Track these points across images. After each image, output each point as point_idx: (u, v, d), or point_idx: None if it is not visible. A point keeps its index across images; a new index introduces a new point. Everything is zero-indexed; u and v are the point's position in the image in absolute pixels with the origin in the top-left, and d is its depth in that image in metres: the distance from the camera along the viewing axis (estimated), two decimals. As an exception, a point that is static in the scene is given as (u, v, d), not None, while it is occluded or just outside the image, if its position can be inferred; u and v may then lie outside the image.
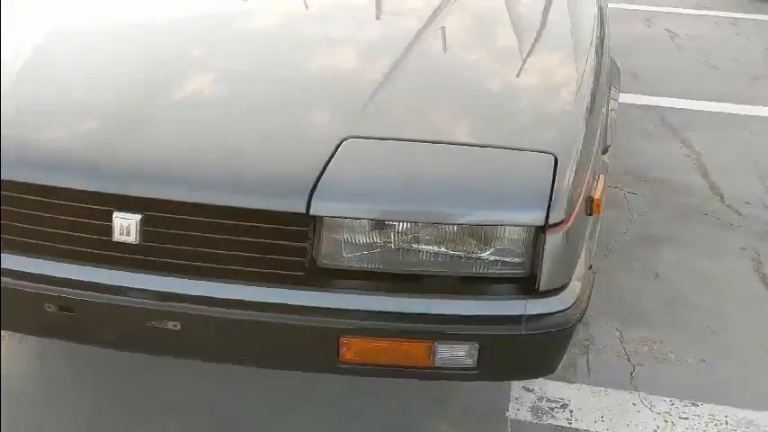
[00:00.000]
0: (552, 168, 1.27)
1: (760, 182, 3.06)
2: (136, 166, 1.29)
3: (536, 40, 1.73)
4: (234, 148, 1.32)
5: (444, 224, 1.25)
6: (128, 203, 1.27)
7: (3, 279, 1.30)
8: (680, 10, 5.65)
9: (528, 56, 1.62)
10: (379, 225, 1.26)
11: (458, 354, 1.27)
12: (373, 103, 1.41)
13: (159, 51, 1.59)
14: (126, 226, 1.27)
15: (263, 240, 1.26)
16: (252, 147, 1.33)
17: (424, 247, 1.26)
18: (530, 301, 1.26)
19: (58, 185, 1.28)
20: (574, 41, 1.70)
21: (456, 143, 1.32)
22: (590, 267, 1.40)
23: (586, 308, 1.32)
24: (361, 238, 1.26)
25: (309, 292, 1.26)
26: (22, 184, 1.29)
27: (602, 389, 1.90)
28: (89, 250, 1.30)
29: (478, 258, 1.26)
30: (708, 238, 2.62)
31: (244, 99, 1.45)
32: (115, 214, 1.27)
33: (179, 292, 1.27)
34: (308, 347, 1.29)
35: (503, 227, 1.25)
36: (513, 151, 1.31)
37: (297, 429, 1.72)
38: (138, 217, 1.27)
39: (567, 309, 1.27)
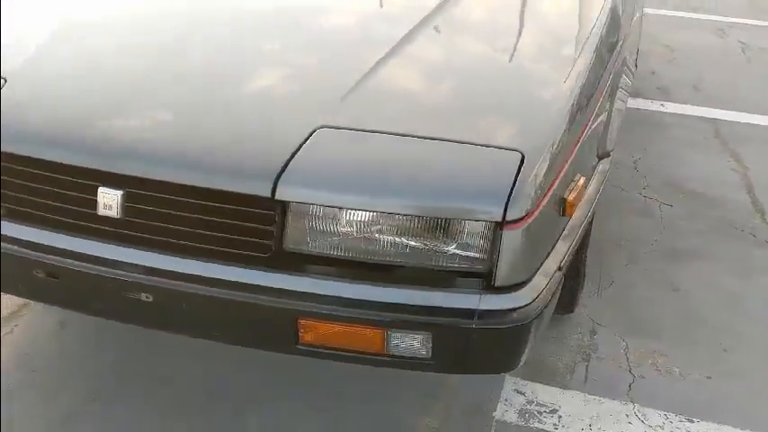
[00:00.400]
0: (517, 166, 1.27)
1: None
2: (120, 145, 1.36)
3: (529, 39, 1.72)
4: (210, 132, 1.38)
5: (406, 215, 1.27)
6: (111, 180, 1.34)
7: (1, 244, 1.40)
8: (756, 22, 5.45)
9: (517, 55, 1.62)
10: (344, 213, 1.29)
11: (412, 343, 1.29)
12: (353, 94, 1.44)
13: (148, 44, 1.67)
14: (109, 201, 1.35)
15: (231, 222, 1.31)
16: (227, 131, 1.38)
17: (385, 237, 1.29)
18: (485, 296, 1.26)
19: (51, 159, 1.37)
20: (568, 41, 1.68)
21: (425, 137, 1.34)
22: (559, 268, 1.39)
23: (546, 307, 1.32)
24: (326, 226, 1.30)
25: (272, 274, 1.30)
26: (19, 156, 1.39)
27: (597, 397, 1.87)
28: (75, 222, 1.38)
29: (438, 251, 1.28)
30: (738, 255, 2.53)
31: (226, 86, 1.51)
32: (100, 189, 1.35)
33: (152, 266, 1.34)
34: (269, 327, 1.34)
35: (463, 221, 1.26)
36: (480, 147, 1.32)
37: (285, 413, 1.77)
38: (120, 193, 1.34)
39: (522, 307, 1.27)
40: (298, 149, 1.32)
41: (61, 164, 1.37)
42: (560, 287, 1.43)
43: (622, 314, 2.19)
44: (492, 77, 1.59)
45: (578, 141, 1.47)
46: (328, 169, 1.31)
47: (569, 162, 1.41)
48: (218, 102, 1.47)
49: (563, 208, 1.38)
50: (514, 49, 1.70)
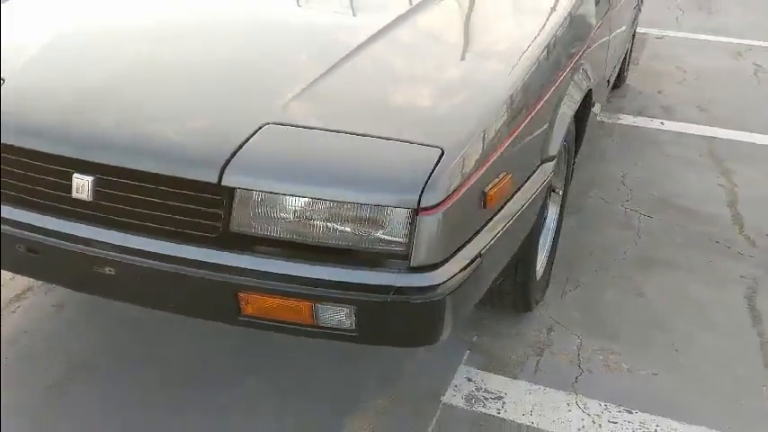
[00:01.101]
0: (435, 160, 1.42)
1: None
2: (91, 136, 1.55)
3: (477, 46, 1.88)
4: (168, 126, 1.56)
5: (336, 202, 1.42)
6: (84, 167, 1.53)
7: (-11, 223, 1.60)
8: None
9: (461, 62, 1.78)
10: (283, 200, 1.45)
11: (337, 316, 1.44)
12: (302, 96, 1.61)
13: (127, 52, 1.86)
14: (81, 185, 1.53)
15: (184, 205, 1.48)
16: (184, 126, 1.56)
17: (318, 221, 1.44)
18: (401, 275, 1.41)
19: (34, 148, 1.57)
20: (513, 49, 1.82)
21: (359, 134, 1.49)
22: (480, 255, 1.52)
23: (460, 288, 1.45)
24: (267, 210, 1.46)
25: (218, 252, 1.47)
26: (7, 145, 1.59)
27: (542, 387, 1.99)
28: (53, 204, 1.57)
29: (364, 234, 1.43)
30: (710, 266, 2.62)
31: (187, 86, 1.69)
32: (74, 175, 1.54)
33: (116, 243, 1.51)
34: (215, 300, 1.50)
35: (385, 208, 1.41)
36: (406, 143, 1.47)
37: (253, 391, 1.93)
38: (90, 179, 1.53)
39: (434, 285, 1.41)
40: (245, 142, 1.48)
41: (42, 152, 1.56)
42: (484, 273, 1.56)
43: (583, 315, 2.30)
44: (433, 81, 1.74)
45: (507, 142, 1.60)
46: (271, 160, 1.47)
47: (493, 160, 1.54)
48: (178, 100, 1.65)
49: (483, 201, 1.52)
50: (460, 57, 1.84)
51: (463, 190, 1.45)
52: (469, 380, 2.00)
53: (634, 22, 3.71)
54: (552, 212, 2.38)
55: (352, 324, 1.44)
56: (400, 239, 1.42)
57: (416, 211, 1.39)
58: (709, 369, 2.09)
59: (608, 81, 2.82)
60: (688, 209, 3.02)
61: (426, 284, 1.41)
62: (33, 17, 2.08)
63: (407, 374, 2.02)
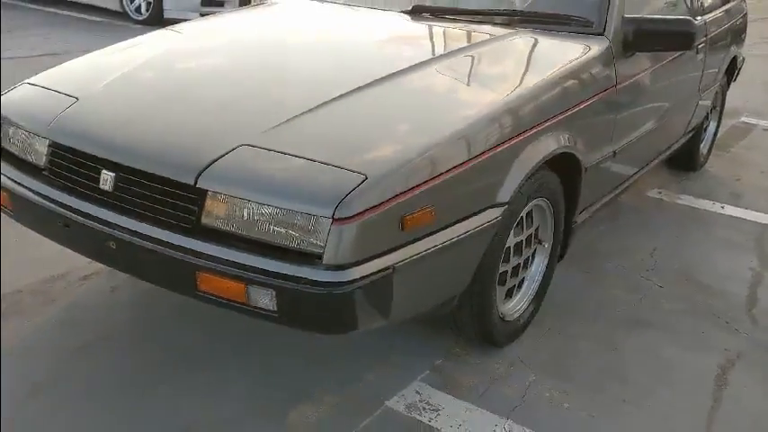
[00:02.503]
0: (357, 183, 1.76)
1: (814, 306, 2.99)
2: (117, 143, 2.03)
3: (455, 95, 2.26)
4: (167, 138, 2.01)
5: (277, 209, 1.79)
6: (109, 165, 2.01)
7: (38, 200, 2.11)
8: None
9: (422, 112, 2.13)
10: (240, 203, 1.83)
11: (263, 298, 1.79)
12: (285, 125, 2.00)
13: (163, 84, 2.39)
14: (106, 179, 2.01)
15: (169, 200, 1.91)
16: (181, 138, 2.00)
17: (263, 222, 1.81)
18: (313, 269, 1.74)
19: (78, 148, 2.07)
20: (473, 105, 2.16)
21: (308, 158, 1.85)
22: (391, 268, 1.82)
23: (367, 289, 1.76)
24: (229, 210, 1.85)
25: (188, 239, 1.87)
26: (63, 145, 2.11)
27: (480, 409, 2.21)
28: (85, 191, 2.05)
29: (293, 234, 1.78)
30: (699, 335, 2.70)
31: (196, 109, 2.15)
32: (102, 171, 2.02)
33: (119, 224, 1.96)
34: (179, 275, 1.89)
35: (311, 216, 1.76)
36: (338, 168, 1.82)
37: (232, 376, 2.29)
38: (113, 174, 2.00)
39: (339, 282, 1.72)
40: (221, 156, 1.90)
41: (83, 151, 2.07)
42: (402, 287, 1.85)
43: (550, 358, 2.49)
44: (389, 126, 2.07)
45: (437, 181, 1.90)
46: (237, 173, 1.87)
47: (417, 192, 1.84)
48: (185, 121, 2.10)
49: (401, 224, 1.82)
50: (422, 110, 2.16)
51: (378, 210, 1.77)
52: (417, 392, 2.26)
53: (695, 107, 3.81)
54: (539, 262, 2.61)
55: (273, 306, 1.79)
56: (318, 242, 1.76)
57: (332, 221, 1.73)
58: (649, 422, 2.22)
59: (628, 155, 2.99)
60: (705, 284, 3.10)
61: (333, 280, 1.74)
62: (114, 60, 2.64)
63: (366, 381, 2.31)
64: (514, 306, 2.54)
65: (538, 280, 2.61)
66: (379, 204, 1.78)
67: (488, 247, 2.17)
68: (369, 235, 1.78)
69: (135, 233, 1.94)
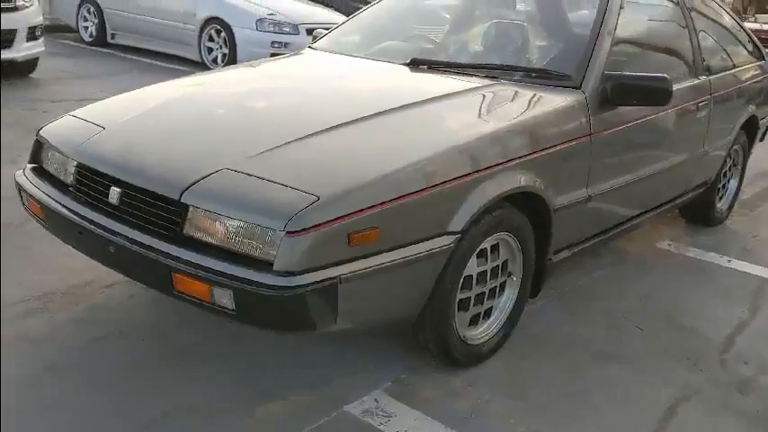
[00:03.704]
0: (309, 203, 2.06)
1: (791, 358, 3.06)
2: (125, 165, 2.41)
3: (412, 137, 2.53)
4: (161, 160, 2.37)
5: (242, 223, 2.11)
6: (117, 182, 2.39)
7: (62, 211, 2.50)
8: None
9: (388, 148, 2.43)
10: (215, 216, 2.16)
11: (224, 298, 2.09)
12: (264, 154, 2.33)
13: (173, 120, 2.76)
14: (114, 194, 2.39)
15: (158, 212, 2.26)
16: (174, 161, 2.36)
17: (231, 233, 2.14)
18: (267, 274, 2.04)
19: (95, 168, 2.46)
20: (433, 142, 2.46)
21: (274, 182, 2.17)
22: (337, 278, 2.09)
23: (314, 295, 2.03)
24: (205, 222, 2.18)
25: (170, 245, 2.21)
26: (85, 165, 2.50)
27: (429, 418, 2.42)
28: (97, 204, 2.43)
29: (252, 244, 2.10)
30: (663, 371, 2.83)
31: (192, 138, 2.52)
32: (111, 187, 2.40)
33: (118, 231, 2.32)
34: (161, 276, 2.22)
35: (267, 229, 2.07)
36: (296, 190, 2.13)
37: (216, 371, 2.60)
38: (119, 190, 2.38)
39: (286, 286, 2.00)
40: (204, 177, 2.24)
41: (101, 172, 2.45)
42: (351, 297, 2.12)
43: (510, 380, 2.67)
44: (354, 157, 2.37)
45: (387, 206, 2.17)
46: (214, 192, 2.21)
47: (366, 214, 2.12)
48: (181, 148, 2.47)
49: (348, 240, 2.11)
50: (389, 146, 2.45)
51: (326, 227, 2.06)
52: (376, 400, 2.50)
53: (699, 162, 3.95)
54: (509, 294, 2.82)
55: (232, 305, 2.09)
56: (272, 251, 2.06)
57: (285, 234, 2.04)
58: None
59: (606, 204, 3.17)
60: (686, 327, 3.21)
61: (281, 284, 2.03)
62: (145, 97, 3.06)
63: (332, 386, 2.56)
64: (482, 332, 2.75)
65: (507, 310, 2.82)
66: (328, 222, 2.07)
67: (442, 273, 2.41)
68: (317, 247, 2.07)
69: (129, 239, 2.29)
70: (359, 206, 2.14)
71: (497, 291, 2.78)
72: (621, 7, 3.32)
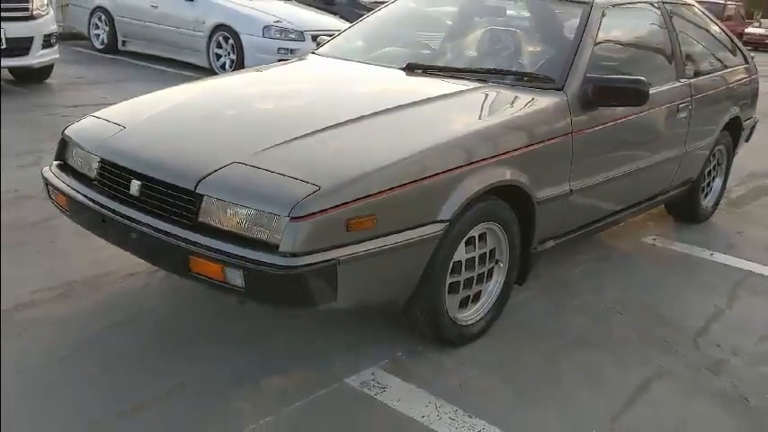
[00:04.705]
0: (311, 192, 2.30)
1: (763, 342, 3.26)
2: (144, 159, 2.66)
3: (411, 136, 2.76)
4: (178, 155, 2.62)
5: (251, 210, 2.35)
6: (137, 175, 2.63)
7: (87, 202, 2.74)
8: None
9: (388, 142, 2.67)
10: (226, 205, 2.41)
11: (235, 277, 2.33)
12: (271, 149, 2.57)
13: (187, 119, 3.01)
14: (134, 186, 2.63)
15: (177, 201, 2.50)
16: (190, 156, 2.60)
17: (241, 219, 2.38)
18: (273, 255, 2.28)
19: (119, 163, 2.71)
20: (426, 139, 2.69)
21: (280, 173, 2.41)
22: (335, 260, 2.32)
23: (316, 274, 2.27)
24: (218, 210, 2.43)
25: (187, 231, 2.45)
26: (107, 160, 2.75)
27: (421, 390, 2.65)
28: (119, 195, 2.67)
29: (261, 229, 2.33)
30: (640, 354, 3.05)
31: (207, 134, 2.77)
32: (132, 180, 2.65)
33: (138, 219, 2.57)
34: (179, 258, 2.46)
35: (273, 215, 2.31)
36: (300, 180, 2.37)
37: (219, 350, 2.83)
38: (139, 182, 2.62)
39: (290, 266, 2.24)
40: (217, 170, 2.49)
41: (122, 166, 2.70)
42: (349, 277, 2.34)
43: (496, 361, 2.89)
44: (358, 150, 2.61)
45: (383, 195, 2.40)
46: (226, 183, 2.45)
47: (363, 203, 2.35)
48: (196, 143, 2.71)
49: (347, 226, 2.35)
50: (389, 141, 2.68)
51: (326, 214, 2.30)
52: (372, 374, 2.73)
53: (681, 161, 4.17)
54: (496, 279, 3.05)
55: (243, 283, 2.33)
56: (277, 235, 2.31)
57: (289, 219, 2.28)
58: (562, 411, 2.61)
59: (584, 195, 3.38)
60: (664, 316, 3.43)
61: (285, 264, 2.27)
62: (162, 99, 3.32)
63: (333, 363, 2.78)
64: (472, 314, 2.98)
65: (495, 294, 3.05)
66: (328, 209, 2.31)
67: (433, 258, 2.64)
68: (318, 232, 2.31)
69: (150, 227, 2.53)
70: (356, 195, 2.38)
71: (485, 276, 3.01)
72: (604, 15, 3.56)
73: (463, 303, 2.95)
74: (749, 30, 24.08)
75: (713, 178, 4.86)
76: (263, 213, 2.34)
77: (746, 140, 5.24)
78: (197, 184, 2.46)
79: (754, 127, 5.23)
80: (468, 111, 3.07)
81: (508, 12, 3.96)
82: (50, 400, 2.46)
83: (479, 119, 2.95)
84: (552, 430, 2.51)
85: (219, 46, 9.23)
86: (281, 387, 2.62)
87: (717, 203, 4.98)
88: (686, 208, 4.68)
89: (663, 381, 2.87)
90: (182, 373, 2.66)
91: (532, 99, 3.14)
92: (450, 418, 2.52)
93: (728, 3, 22.36)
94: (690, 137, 4.16)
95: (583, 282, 3.77)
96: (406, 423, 2.48)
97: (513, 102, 3.14)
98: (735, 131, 4.86)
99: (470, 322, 2.97)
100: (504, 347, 3.02)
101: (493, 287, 3.06)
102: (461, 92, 3.19)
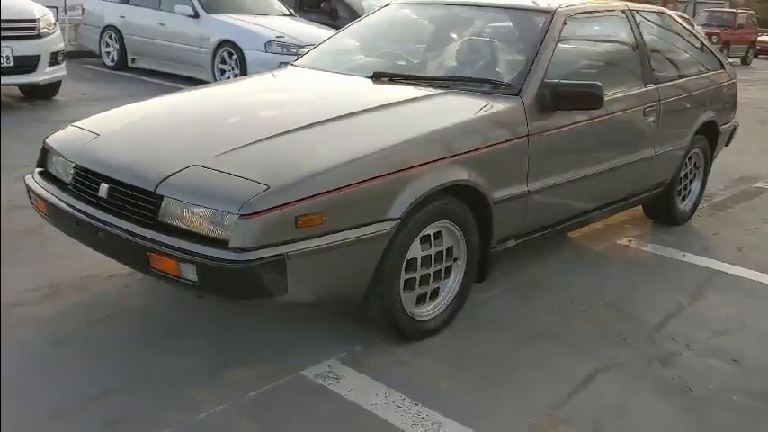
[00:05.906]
0: (260, 191, 2.46)
1: (717, 336, 3.35)
2: (111, 163, 2.83)
3: (365, 137, 2.91)
4: (140, 157, 2.79)
5: (204, 209, 2.51)
6: (105, 179, 2.81)
7: (63, 206, 2.92)
8: None
9: (340, 144, 2.82)
10: (183, 204, 2.56)
11: (189, 271, 2.49)
12: (229, 152, 2.73)
13: (154, 126, 3.19)
14: (102, 188, 2.81)
15: (138, 202, 2.67)
16: (150, 160, 2.77)
17: (195, 217, 2.54)
18: (223, 250, 2.44)
19: (88, 167, 2.89)
20: (376, 141, 2.84)
21: (234, 174, 2.57)
22: (284, 255, 2.47)
23: (264, 268, 2.40)
24: (176, 210, 2.59)
25: (147, 230, 2.62)
26: (81, 166, 2.93)
27: (373, 381, 2.78)
28: (89, 198, 2.85)
29: (213, 226, 2.49)
30: (592, 347, 3.15)
31: (171, 138, 2.96)
32: (101, 183, 2.82)
33: (104, 219, 2.74)
34: (139, 256, 2.62)
35: (224, 213, 2.46)
36: (251, 180, 2.52)
37: (198, 343, 2.99)
38: (107, 185, 2.79)
39: (238, 260, 2.39)
40: (176, 172, 2.65)
41: (93, 171, 2.88)
42: (299, 271, 2.49)
43: (451, 353, 3.02)
44: (310, 152, 2.76)
45: (330, 195, 2.55)
46: (184, 184, 2.61)
47: (311, 201, 2.50)
48: (157, 148, 2.88)
49: (295, 223, 2.49)
50: (342, 143, 2.82)
51: (274, 212, 2.45)
52: (329, 366, 2.87)
53: (650, 164, 4.27)
54: (455, 277, 3.18)
55: (195, 277, 2.49)
56: (228, 232, 2.46)
57: (238, 217, 2.43)
58: (507, 398, 2.73)
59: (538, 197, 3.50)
60: (626, 312, 3.53)
61: (234, 259, 2.42)
62: (140, 108, 3.51)
63: (292, 356, 2.92)
64: (430, 310, 3.11)
65: (454, 291, 3.18)
66: (275, 207, 2.46)
67: (384, 255, 2.78)
68: (266, 228, 2.46)
69: (115, 227, 2.70)
70: (304, 194, 2.53)
71: (443, 273, 3.13)
72: (565, 23, 3.70)
73: (421, 299, 3.07)
74: (762, 38, 24.01)
75: (690, 181, 4.94)
76: (217, 212, 2.50)
77: (726, 144, 5.32)
78: (157, 186, 2.63)
79: (734, 131, 5.31)
80: (422, 115, 3.21)
81: (476, 22, 4.10)
82: (25, 387, 2.62)
83: (432, 122, 3.08)
84: (493, 416, 2.63)
85: (224, 61, 9.46)
86: (240, 378, 2.76)
87: (695, 206, 5.05)
88: (663, 210, 4.78)
89: (611, 372, 2.97)
90: (151, 366, 2.81)
91: (487, 104, 3.27)
92: (396, 405, 2.64)
93: (740, 12, 22.38)
94: (659, 140, 4.26)
95: (552, 279, 3.88)
96: (355, 411, 2.61)
97: (468, 106, 3.28)
98: (711, 135, 4.94)
99: (428, 317, 3.10)
100: (464, 340, 3.14)
101: (452, 284, 3.18)
102: (419, 98, 3.34)
